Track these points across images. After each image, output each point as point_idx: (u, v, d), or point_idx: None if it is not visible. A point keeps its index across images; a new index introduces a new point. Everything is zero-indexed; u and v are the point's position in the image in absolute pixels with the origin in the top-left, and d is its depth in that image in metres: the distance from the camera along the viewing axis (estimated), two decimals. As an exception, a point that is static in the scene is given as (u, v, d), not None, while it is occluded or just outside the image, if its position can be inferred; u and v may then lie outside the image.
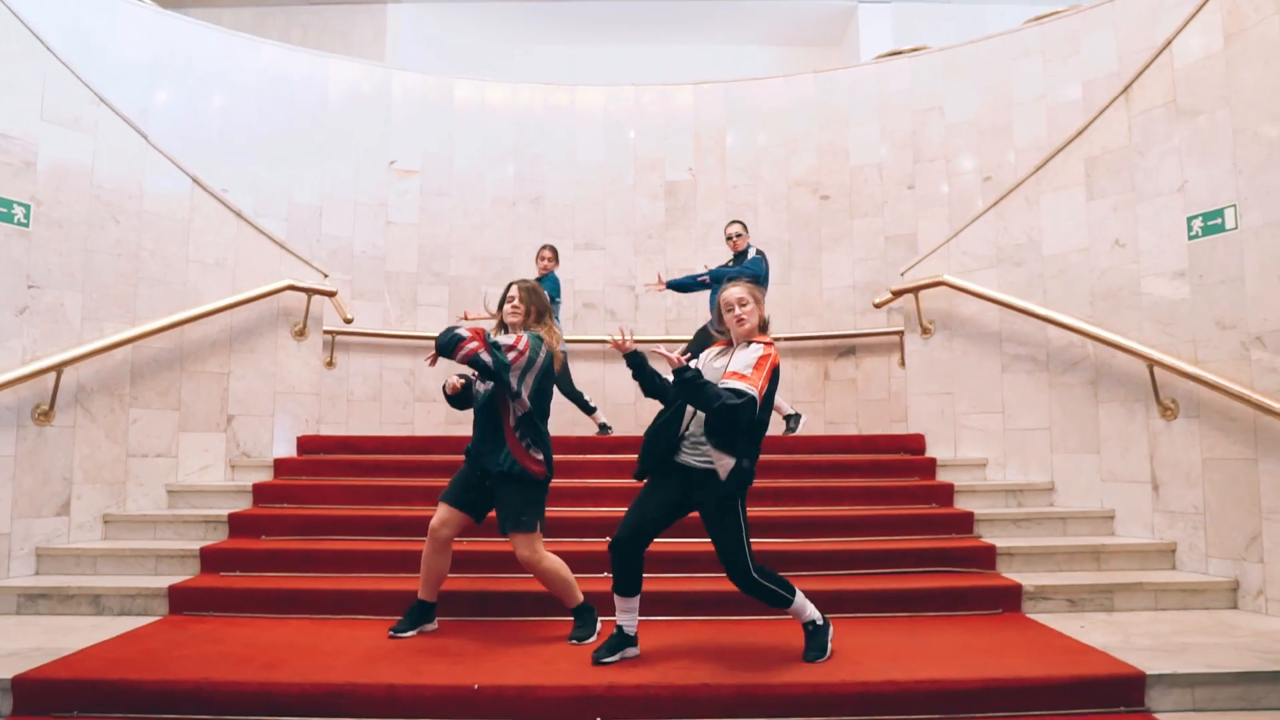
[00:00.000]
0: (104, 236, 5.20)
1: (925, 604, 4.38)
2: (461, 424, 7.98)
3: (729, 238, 6.84)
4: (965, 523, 5.14)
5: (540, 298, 4.01)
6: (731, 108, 8.90)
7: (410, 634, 3.92)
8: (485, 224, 8.68)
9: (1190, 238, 4.85)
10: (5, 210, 4.70)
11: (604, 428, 7.05)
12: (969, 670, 3.37)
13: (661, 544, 4.70)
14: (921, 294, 6.15)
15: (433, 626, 4.03)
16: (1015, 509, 5.35)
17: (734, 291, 3.60)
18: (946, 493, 5.46)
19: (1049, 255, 5.64)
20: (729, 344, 3.66)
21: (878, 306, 6.66)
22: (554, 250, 7.05)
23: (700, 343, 6.67)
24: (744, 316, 3.56)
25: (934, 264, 6.20)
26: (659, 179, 8.90)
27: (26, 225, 4.80)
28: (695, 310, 8.65)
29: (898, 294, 6.27)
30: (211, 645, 3.76)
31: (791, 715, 3.19)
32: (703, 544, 4.60)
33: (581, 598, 3.95)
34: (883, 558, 4.75)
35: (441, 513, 3.88)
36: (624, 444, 6.21)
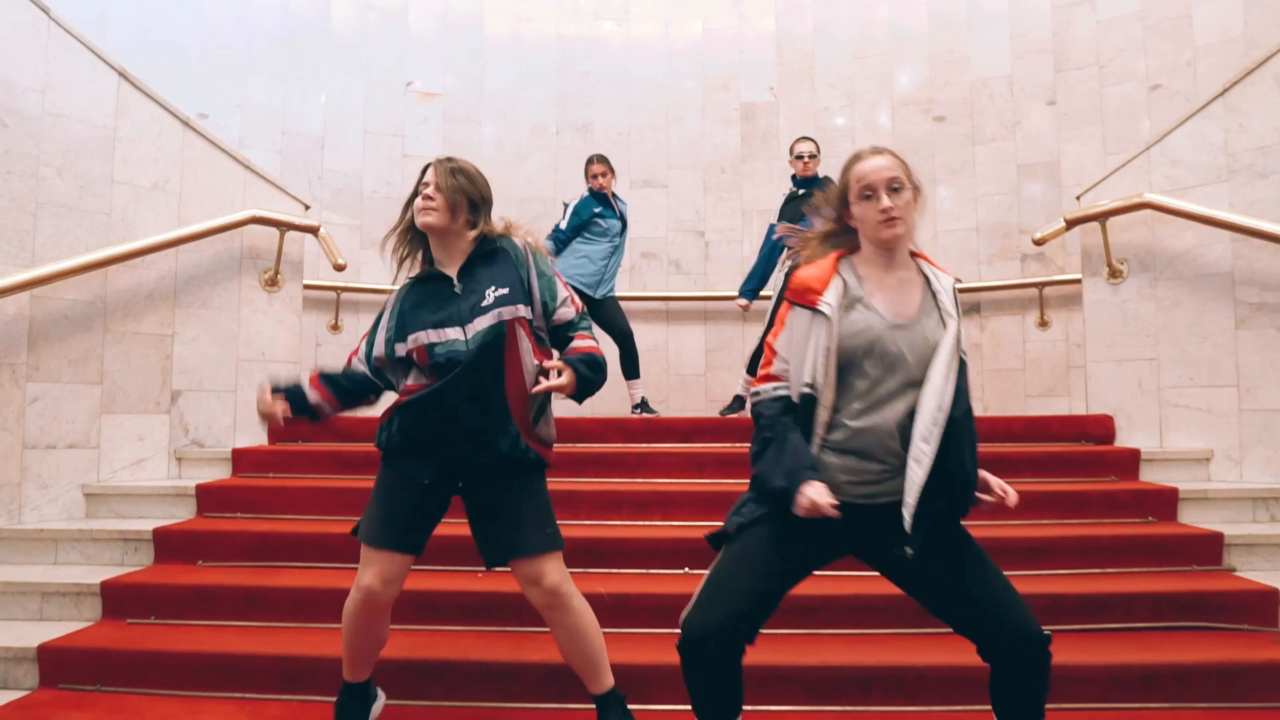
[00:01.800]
0: (-16, 144, 3.76)
1: (1186, 689, 2.76)
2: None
3: (800, 157, 5.36)
4: (1209, 548, 3.49)
5: (475, 182, 2.43)
6: (822, 11, 7.23)
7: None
8: (523, 156, 7.16)
9: None
10: None
11: (643, 406, 5.51)
12: None
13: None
14: (1110, 222, 4.45)
15: (379, 707, 2.60)
16: (1271, 526, 3.70)
17: (880, 164, 1.99)
18: (1167, 501, 3.81)
19: (1315, 161, 3.93)
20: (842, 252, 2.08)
21: (1039, 242, 4.97)
22: (609, 164, 5.50)
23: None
24: (902, 211, 1.97)
25: (1125, 181, 4.50)
26: (733, 100, 7.28)
27: None
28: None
29: (1073, 222, 4.57)
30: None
31: None
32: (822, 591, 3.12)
33: (612, 679, 2.44)
34: (1097, 606, 3.14)
35: (382, 566, 2.34)
36: (699, 429, 4.64)
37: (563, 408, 2.77)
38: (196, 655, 2.92)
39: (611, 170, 5.62)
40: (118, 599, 3.27)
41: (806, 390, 1.93)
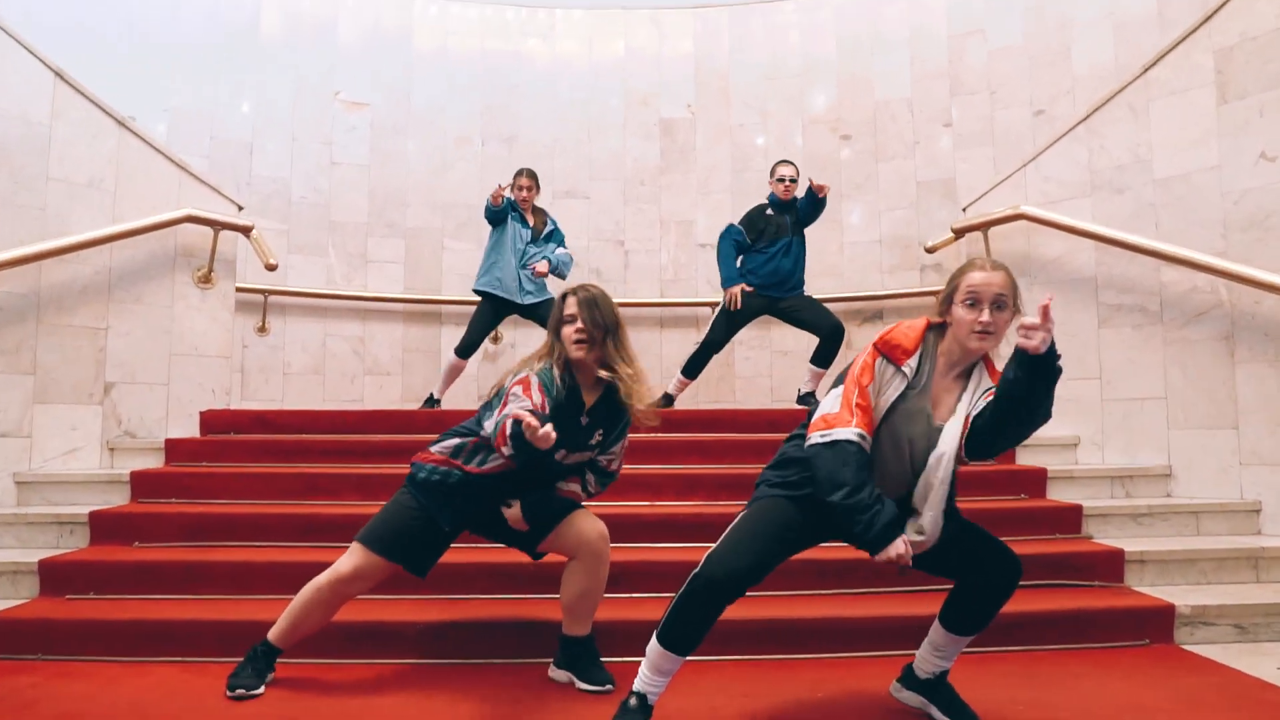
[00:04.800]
0: (-79, 139, 3.85)
1: (1044, 633, 3.16)
2: (415, 400, 6.73)
3: (781, 180, 5.47)
4: (1071, 519, 3.92)
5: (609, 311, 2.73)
6: (737, 35, 7.62)
7: (259, 691, 2.66)
8: (448, 166, 7.36)
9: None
10: None
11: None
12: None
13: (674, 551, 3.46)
14: (992, 232, 4.91)
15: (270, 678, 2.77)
16: (1126, 500, 4.16)
17: (991, 279, 2.17)
18: (1037, 480, 4.24)
19: (1162, 178, 4.42)
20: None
21: (931, 250, 5.44)
22: (534, 177, 5.75)
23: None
24: (998, 328, 2.19)
25: (1004, 195, 4.98)
26: (653, 116, 7.62)
27: None
28: (695, 270, 7.43)
29: (960, 232, 5.04)
30: (10, 712, 2.47)
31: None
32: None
33: None
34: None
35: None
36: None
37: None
38: (137, 623, 3.08)
39: (535, 185, 5.78)
40: (55, 577, 3.38)
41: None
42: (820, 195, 5.33)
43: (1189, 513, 3.98)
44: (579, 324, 2.62)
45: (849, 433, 2.15)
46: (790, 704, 2.58)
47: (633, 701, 2.23)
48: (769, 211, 5.46)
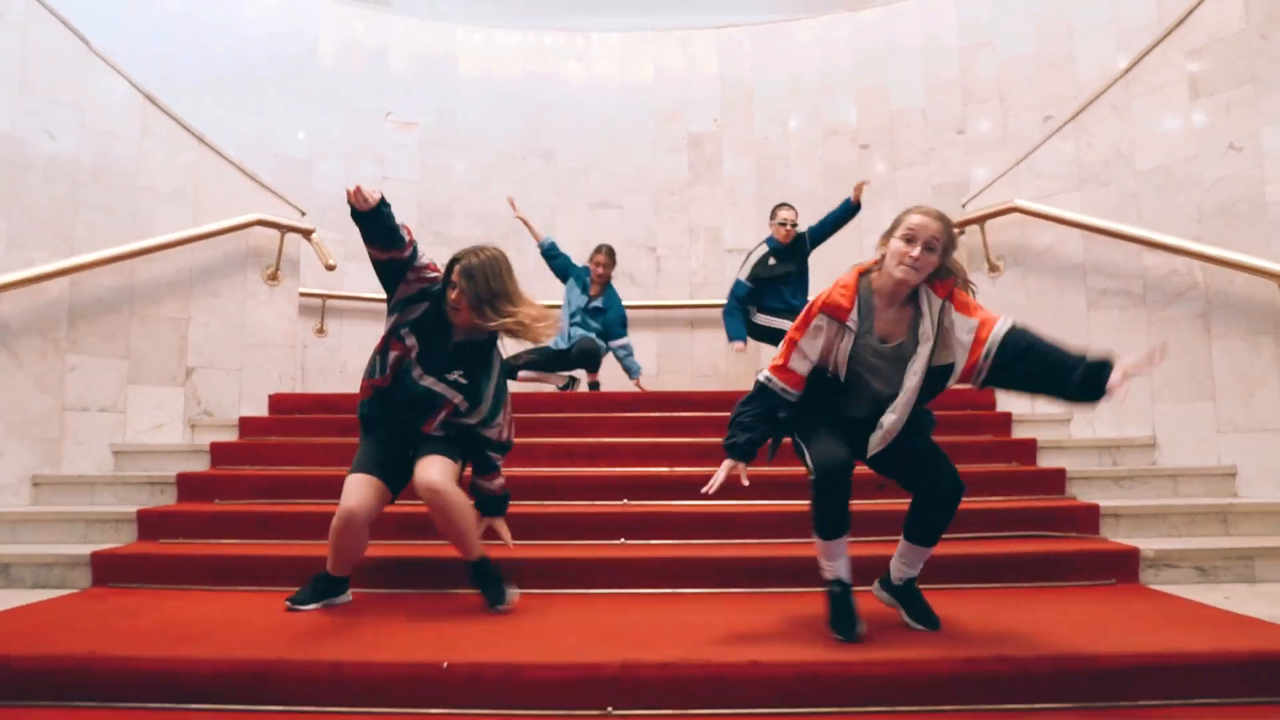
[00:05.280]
0: (34, 152, 4.44)
1: (1023, 572, 3.51)
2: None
3: (783, 224, 5.85)
4: (1056, 481, 4.27)
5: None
6: (759, 53, 8.09)
7: (313, 606, 3.11)
8: (490, 180, 7.91)
9: (1331, 129, 3.99)
10: (-89, 114, 3.97)
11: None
12: (1103, 645, 2.51)
13: (692, 506, 3.88)
14: (988, 225, 5.29)
15: (345, 598, 3.23)
16: (1112, 467, 4.48)
17: (929, 224, 2.55)
18: (1028, 450, 4.58)
19: (1144, 170, 4.77)
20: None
21: (935, 246, 5.79)
22: (612, 255, 6.32)
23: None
24: (920, 265, 2.58)
25: (1001, 190, 5.35)
26: (681, 131, 8.11)
27: (-62, 134, 4.06)
28: (722, 274, 7.84)
29: (960, 226, 5.40)
30: (125, 619, 2.97)
31: (869, 704, 2.34)
32: (738, 506, 3.82)
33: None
34: (964, 520, 3.86)
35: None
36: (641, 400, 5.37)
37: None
38: (217, 559, 3.59)
39: (611, 263, 6.29)
40: (150, 525, 3.91)
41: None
42: (856, 201, 5.83)
43: (1167, 476, 4.31)
44: (456, 291, 3.02)
45: (762, 375, 2.75)
46: (794, 618, 2.97)
47: (835, 589, 2.70)
48: (771, 261, 5.85)
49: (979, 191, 5.49)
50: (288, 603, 3.10)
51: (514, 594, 3.11)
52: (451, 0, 8.15)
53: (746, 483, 2.67)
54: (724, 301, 7.66)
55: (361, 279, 7.44)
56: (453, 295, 3.03)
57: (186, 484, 4.26)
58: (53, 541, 3.88)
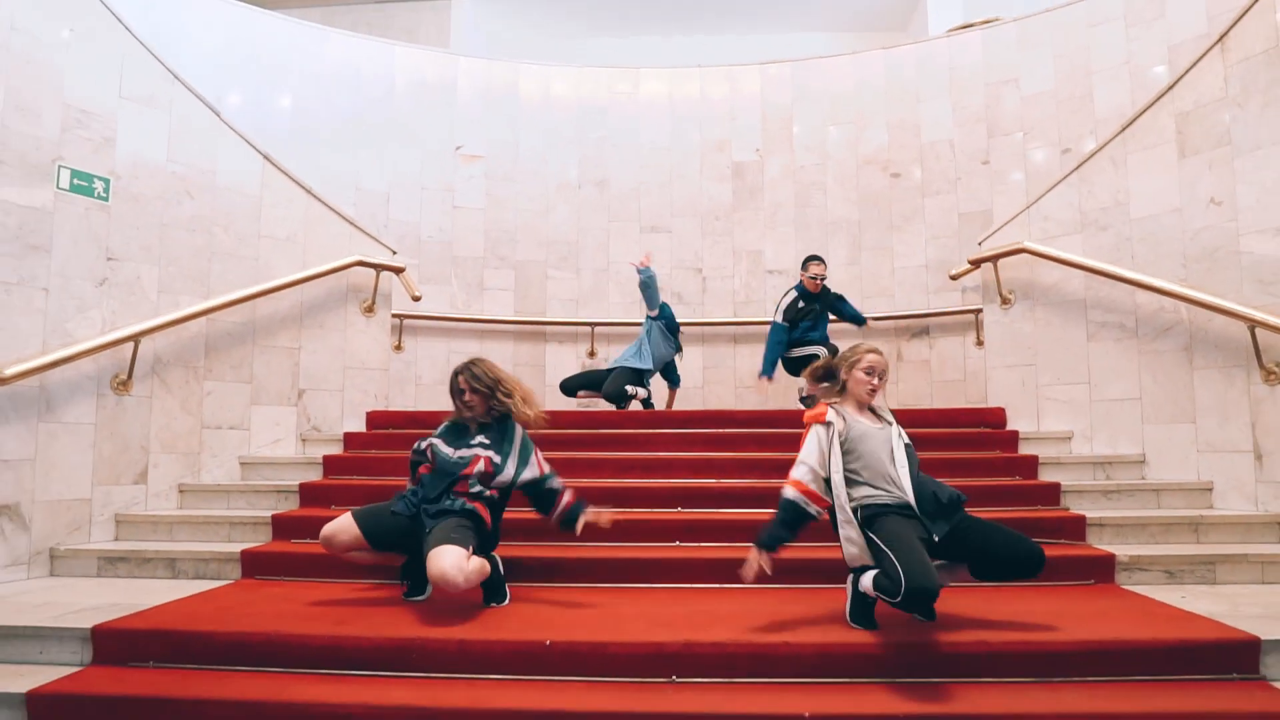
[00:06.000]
0: (179, 211, 5.28)
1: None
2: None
3: (814, 278, 6.65)
4: (1051, 494, 4.91)
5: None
6: (798, 87, 8.73)
7: (421, 598, 3.91)
8: (550, 208, 8.65)
9: (1295, 190, 4.56)
10: (87, 184, 4.80)
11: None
12: (1064, 634, 3.18)
13: (736, 515, 4.61)
14: (1001, 263, 5.92)
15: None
16: (1104, 481, 5.10)
17: (881, 361, 3.61)
18: (1030, 465, 5.23)
19: (1137, 218, 5.37)
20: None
21: (954, 278, 6.45)
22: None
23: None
24: (880, 388, 3.63)
25: (1013, 232, 5.97)
26: (726, 160, 8.78)
27: (106, 199, 4.88)
28: (764, 293, 8.51)
29: (976, 264, 6.05)
30: (283, 604, 3.76)
31: (874, 676, 3.04)
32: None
33: None
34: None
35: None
36: (693, 418, 6.09)
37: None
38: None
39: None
40: (283, 527, 4.72)
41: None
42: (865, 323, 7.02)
43: (1152, 490, 4.92)
44: (468, 392, 3.92)
45: (786, 489, 3.40)
46: (818, 608, 3.67)
47: (868, 599, 3.33)
48: (800, 304, 6.67)
49: (992, 232, 6.11)
50: (404, 596, 3.89)
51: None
52: (510, 51, 8.87)
53: (770, 571, 3.32)
54: (764, 319, 8.46)
55: (434, 299, 8.27)
56: (467, 396, 3.92)
57: (308, 492, 5.06)
58: (204, 540, 4.70)
